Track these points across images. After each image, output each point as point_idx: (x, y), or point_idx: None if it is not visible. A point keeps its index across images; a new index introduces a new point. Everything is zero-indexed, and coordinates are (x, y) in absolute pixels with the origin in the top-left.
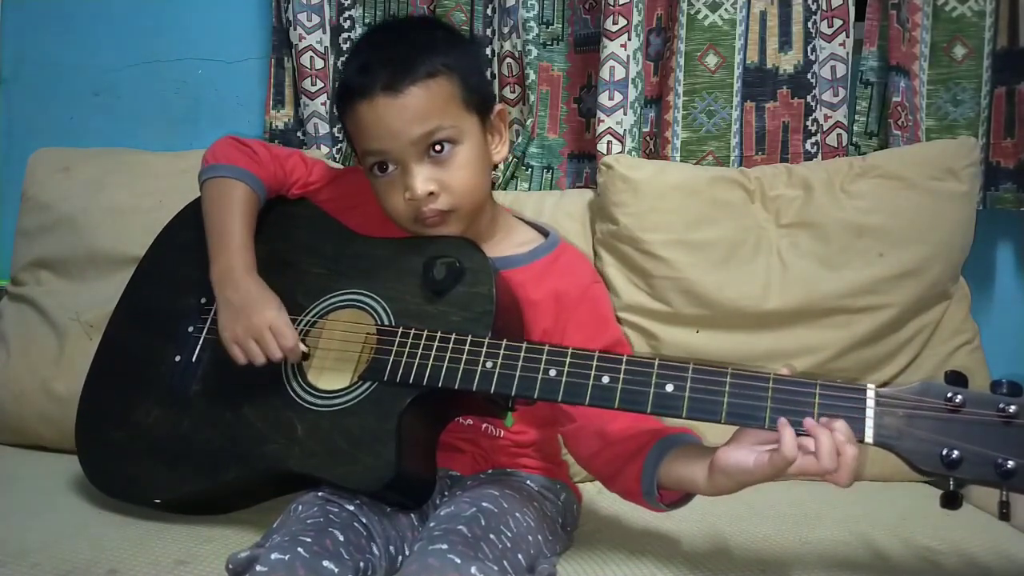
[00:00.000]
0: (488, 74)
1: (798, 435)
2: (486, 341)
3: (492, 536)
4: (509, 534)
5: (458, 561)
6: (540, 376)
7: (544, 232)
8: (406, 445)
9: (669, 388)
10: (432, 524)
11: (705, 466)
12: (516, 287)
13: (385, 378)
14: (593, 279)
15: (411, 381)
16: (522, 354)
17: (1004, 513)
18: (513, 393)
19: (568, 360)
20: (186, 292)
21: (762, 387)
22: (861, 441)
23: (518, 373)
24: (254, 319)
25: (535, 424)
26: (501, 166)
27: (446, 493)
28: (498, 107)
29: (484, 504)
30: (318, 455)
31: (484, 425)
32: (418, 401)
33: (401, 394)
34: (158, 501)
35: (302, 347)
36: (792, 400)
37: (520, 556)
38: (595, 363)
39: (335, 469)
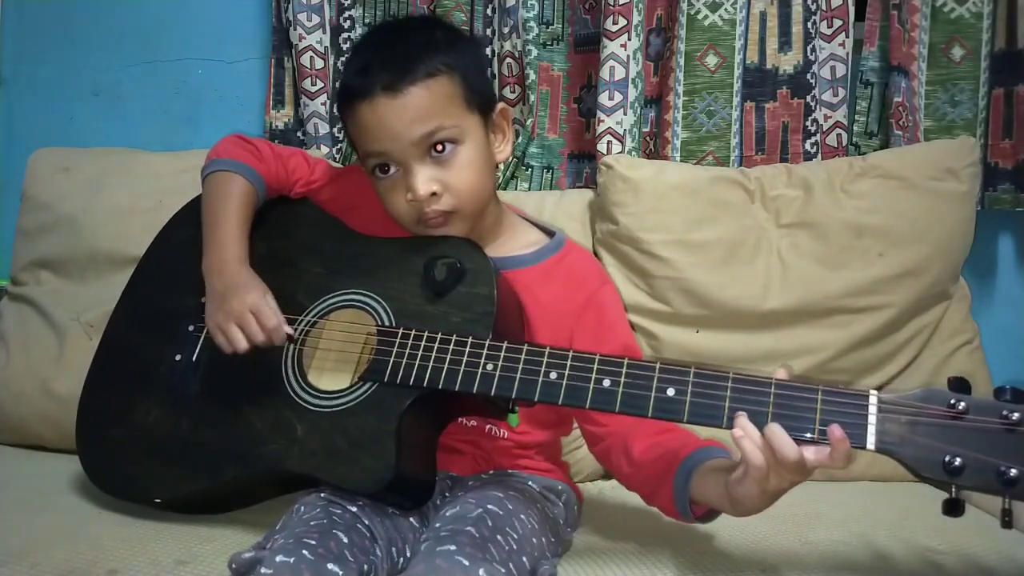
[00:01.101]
0: (488, 73)
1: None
2: (487, 343)
3: (499, 537)
4: (515, 535)
5: (466, 563)
6: (541, 379)
7: (550, 232)
8: (406, 446)
9: (670, 392)
10: (438, 525)
11: (726, 493)
12: (521, 288)
13: (385, 379)
14: (600, 282)
15: (411, 382)
16: (523, 356)
17: (1007, 521)
18: (513, 396)
19: (569, 363)
20: (186, 291)
21: (764, 392)
22: (863, 448)
23: (519, 375)
24: (234, 303)
25: (541, 426)
26: (501, 166)
27: (447, 494)
28: (500, 106)
29: (490, 506)
30: (317, 455)
31: (488, 426)
32: (418, 402)
33: (401, 395)
34: (158, 500)
35: (287, 328)
36: (794, 406)
37: (525, 558)
38: (596, 366)
39: (334, 470)
